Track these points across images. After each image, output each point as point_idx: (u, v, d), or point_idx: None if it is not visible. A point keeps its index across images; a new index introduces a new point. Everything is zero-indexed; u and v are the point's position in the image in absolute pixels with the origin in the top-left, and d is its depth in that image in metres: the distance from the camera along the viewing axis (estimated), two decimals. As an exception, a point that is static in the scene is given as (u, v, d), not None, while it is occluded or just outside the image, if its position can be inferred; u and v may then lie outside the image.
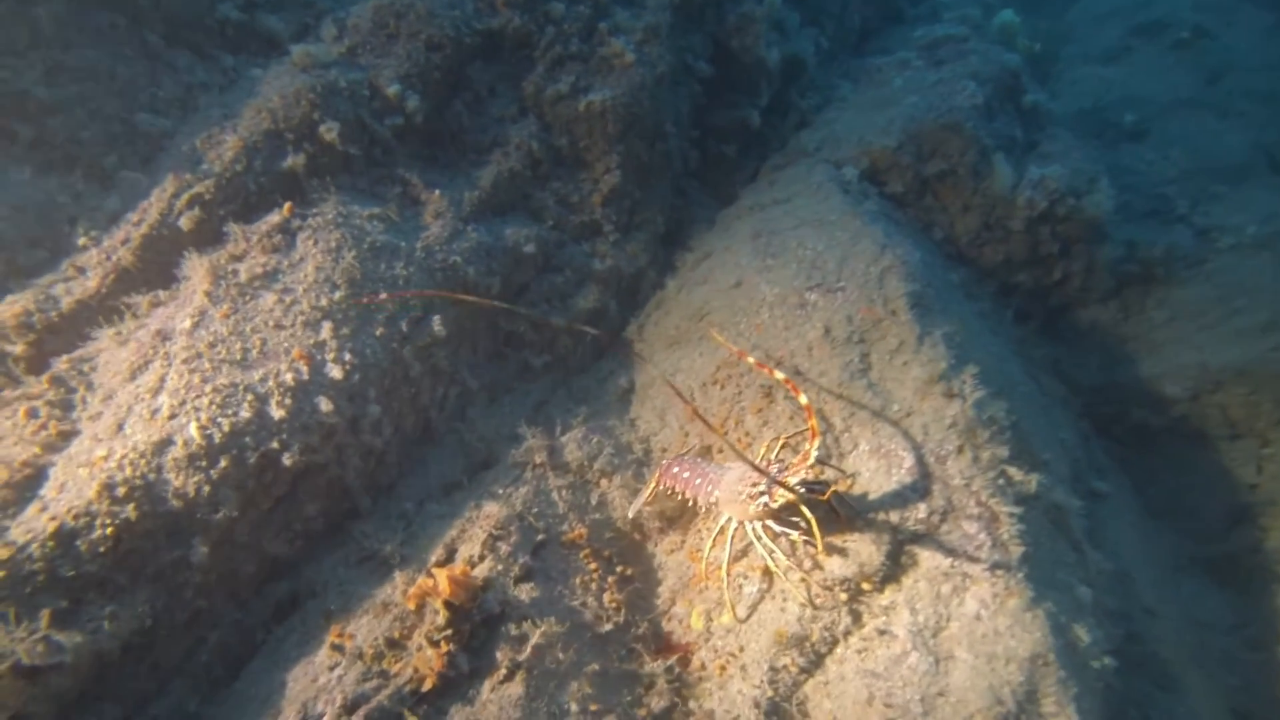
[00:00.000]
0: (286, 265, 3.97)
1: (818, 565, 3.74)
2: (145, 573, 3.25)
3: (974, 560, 3.64)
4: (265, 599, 3.76)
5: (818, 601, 3.68)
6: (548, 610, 3.83)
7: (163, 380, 3.46)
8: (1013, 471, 3.82)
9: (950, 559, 3.66)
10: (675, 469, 4.09)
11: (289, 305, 3.85)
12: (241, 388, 3.51)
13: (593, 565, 4.19)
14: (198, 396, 3.42)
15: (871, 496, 3.88)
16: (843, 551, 3.70)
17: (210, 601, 3.51)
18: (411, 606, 3.51)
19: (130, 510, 3.15)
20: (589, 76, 5.26)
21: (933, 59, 6.25)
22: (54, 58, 3.98)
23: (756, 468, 3.38)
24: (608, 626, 3.87)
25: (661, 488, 4.18)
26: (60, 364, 3.60)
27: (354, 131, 4.47)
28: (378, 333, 4.07)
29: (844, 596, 3.68)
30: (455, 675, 3.50)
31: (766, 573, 3.84)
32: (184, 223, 3.90)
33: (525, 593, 3.76)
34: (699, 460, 4.11)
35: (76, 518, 3.09)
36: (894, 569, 3.71)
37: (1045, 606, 3.52)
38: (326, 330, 3.84)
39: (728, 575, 3.78)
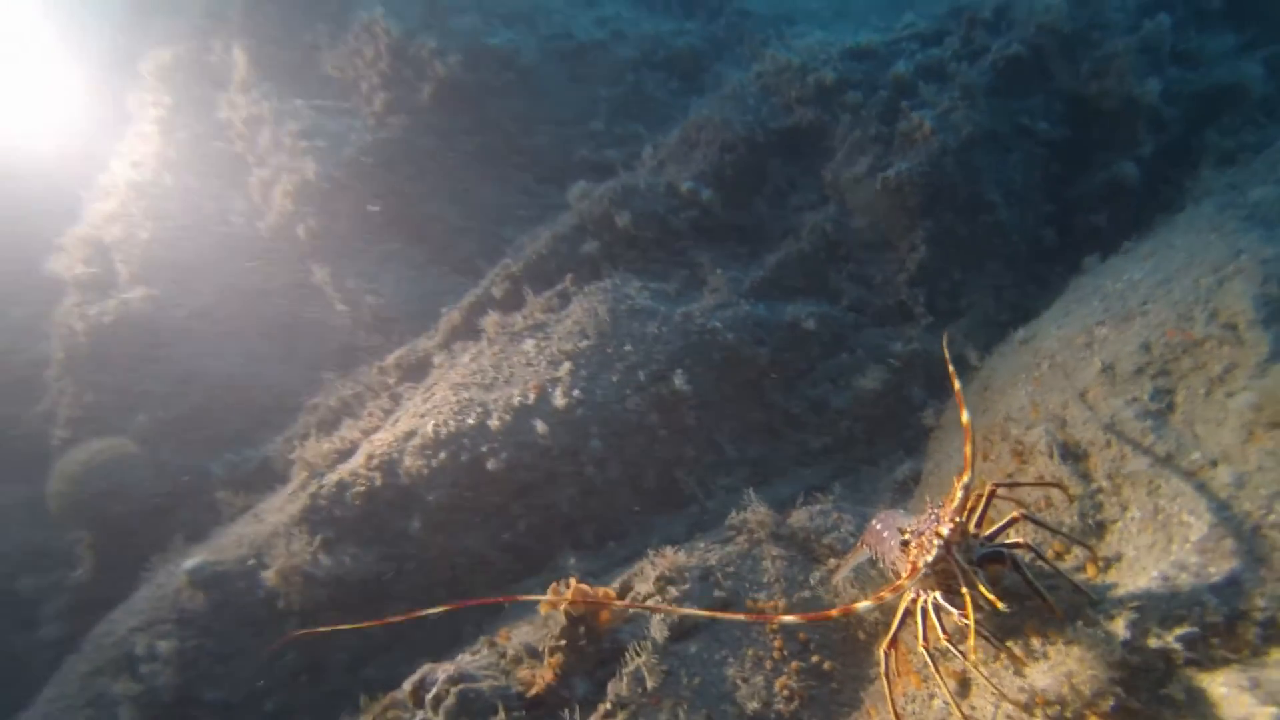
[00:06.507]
0: (554, 320, 4.72)
1: (1019, 670, 2.52)
2: (382, 535, 4.05)
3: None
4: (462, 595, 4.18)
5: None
6: (694, 666, 3.38)
7: (431, 392, 4.43)
8: None
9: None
10: (876, 524, 3.29)
11: (542, 349, 4.54)
12: (476, 403, 4.24)
13: (777, 642, 3.54)
14: (444, 405, 4.26)
15: (1126, 586, 2.49)
16: (1045, 657, 2.45)
17: (428, 576, 4.11)
18: (543, 611, 3.50)
19: (378, 477, 4.04)
20: (888, 156, 5.06)
21: None
22: (465, 195, 5.83)
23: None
24: (754, 705, 3.21)
25: (866, 549, 3.39)
26: (400, 386, 4.92)
27: (648, 221, 5.17)
28: (613, 378, 4.43)
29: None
30: (568, 696, 3.33)
31: (965, 682, 2.75)
32: (496, 292, 5.03)
33: (660, 633, 3.39)
34: (902, 512, 3.23)
35: (351, 475, 4.11)
36: (1152, 707, 2.25)
37: None
38: (565, 369, 4.38)
39: (889, 683, 2.75)
